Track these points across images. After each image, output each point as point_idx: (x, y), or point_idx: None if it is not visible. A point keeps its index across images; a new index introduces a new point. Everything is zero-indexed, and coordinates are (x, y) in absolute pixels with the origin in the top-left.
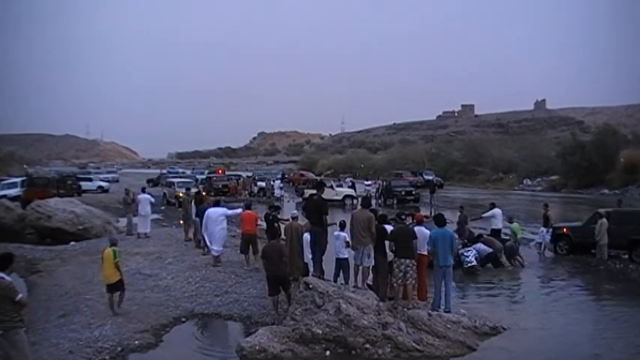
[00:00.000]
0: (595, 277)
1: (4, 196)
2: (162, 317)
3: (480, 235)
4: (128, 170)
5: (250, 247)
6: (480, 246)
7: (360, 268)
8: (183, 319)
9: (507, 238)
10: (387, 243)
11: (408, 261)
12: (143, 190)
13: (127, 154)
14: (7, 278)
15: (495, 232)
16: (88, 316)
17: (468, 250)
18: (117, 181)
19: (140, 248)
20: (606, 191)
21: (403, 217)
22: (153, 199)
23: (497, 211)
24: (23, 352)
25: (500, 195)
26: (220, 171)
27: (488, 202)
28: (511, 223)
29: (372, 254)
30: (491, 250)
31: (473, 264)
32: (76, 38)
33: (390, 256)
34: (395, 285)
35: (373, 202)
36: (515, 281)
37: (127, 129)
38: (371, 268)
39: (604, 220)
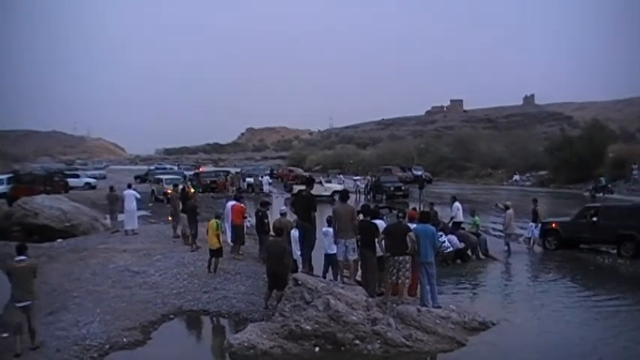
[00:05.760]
0: (583, 272)
1: None
2: (150, 314)
3: (461, 227)
4: (116, 167)
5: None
6: (452, 237)
7: (352, 262)
8: (172, 316)
9: (480, 231)
10: (380, 241)
11: (401, 258)
12: (129, 187)
13: (114, 150)
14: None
15: (456, 225)
16: (76, 313)
17: (441, 236)
18: (104, 177)
19: (128, 245)
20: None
21: (401, 214)
22: (139, 195)
23: (457, 204)
24: (38, 319)
25: (485, 190)
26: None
27: (450, 196)
28: (473, 216)
29: (356, 248)
30: (462, 245)
31: (450, 249)
32: (62, 33)
33: (380, 252)
34: (388, 281)
35: (362, 197)
36: (503, 276)
37: (114, 125)
38: (360, 263)
39: (510, 211)
